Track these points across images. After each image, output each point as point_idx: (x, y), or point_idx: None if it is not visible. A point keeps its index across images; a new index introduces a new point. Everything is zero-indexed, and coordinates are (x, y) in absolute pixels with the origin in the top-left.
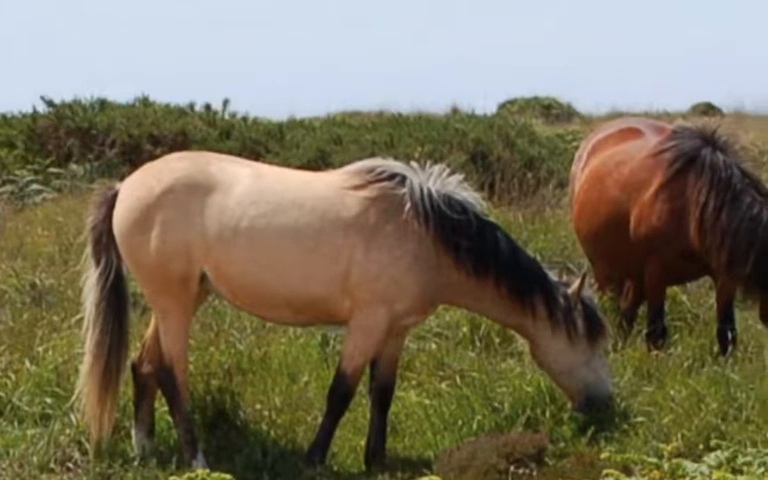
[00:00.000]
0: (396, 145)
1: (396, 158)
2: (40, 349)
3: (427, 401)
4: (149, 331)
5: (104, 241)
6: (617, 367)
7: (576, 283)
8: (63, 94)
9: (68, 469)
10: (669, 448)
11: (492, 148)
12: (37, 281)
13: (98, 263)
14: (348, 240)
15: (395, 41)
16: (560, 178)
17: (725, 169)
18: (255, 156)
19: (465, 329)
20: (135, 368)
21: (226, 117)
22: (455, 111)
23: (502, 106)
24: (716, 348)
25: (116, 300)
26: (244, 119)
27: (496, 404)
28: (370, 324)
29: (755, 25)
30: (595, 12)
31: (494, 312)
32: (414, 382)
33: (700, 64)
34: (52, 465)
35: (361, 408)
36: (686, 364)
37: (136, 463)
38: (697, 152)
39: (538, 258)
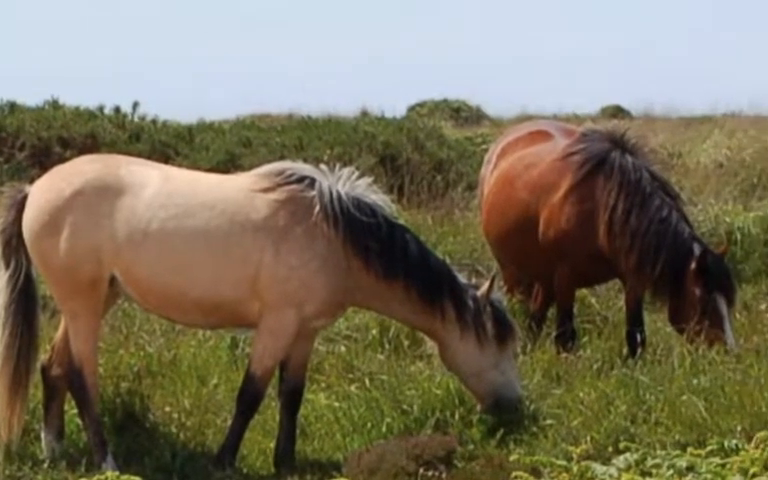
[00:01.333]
0: (305, 148)
1: (305, 161)
2: None
3: (336, 403)
4: (59, 333)
5: (13, 244)
6: (526, 369)
7: (485, 285)
8: None
9: None
10: (578, 450)
11: (401, 151)
12: None
13: (7, 266)
14: (257, 243)
15: (304, 43)
16: (469, 181)
17: (634, 172)
18: (165, 159)
19: (374, 332)
20: (45, 370)
21: (136, 120)
22: (364, 114)
23: (411, 109)
24: (625, 350)
25: (26, 302)
26: (154, 122)
27: (405, 406)
28: (279, 326)
29: (664, 28)
30: (503, 14)
31: (403, 315)
32: (323, 384)
33: (609, 67)
34: None
35: (270, 410)
36: (595, 366)
37: (46, 465)
38: (606, 155)
39: (447, 260)
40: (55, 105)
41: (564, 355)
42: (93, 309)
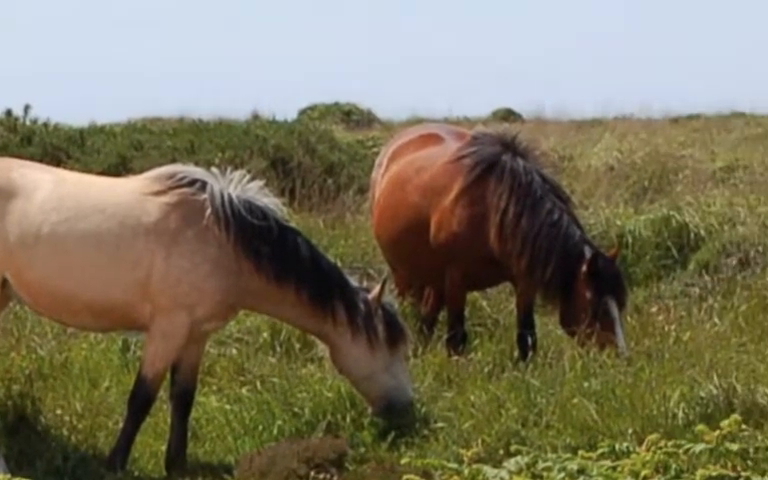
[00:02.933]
0: (197, 151)
1: (197, 164)
2: None
3: (228, 406)
4: None
5: None
6: (417, 372)
7: (376, 289)
8: None
9: None
10: (469, 453)
11: (293, 154)
12: None
13: None
14: (148, 245)
15: (195, 46)
16: (360, 184)
17: (525, 175)
18: (56, 162)
19: (266, 334)
20: None
21: (27, 123)
22: (256, 117)
23: (303, 112)
24: (516, 353)
25: None
26: (45, 125)
27: (297, 409)
28: (171, 329)
29: (554, 31)
30: (393, 16)
31: (295, 317)
32: (215, 387)
33: (500, 70)
34: None
35: (162, 413)
36: (486, 369)
37: None
38: (497, 158)
39: (339, 264)
40: None
41: (455, 358)
42: None
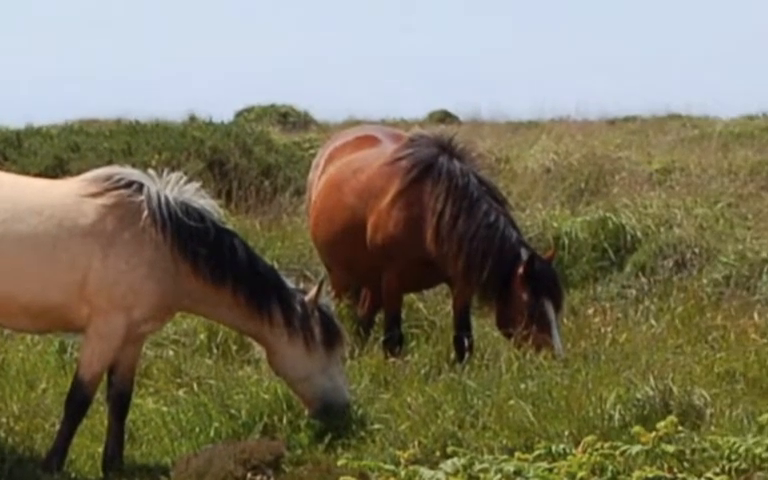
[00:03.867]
0: (134, 153)
1: (134, 166)
2: None
3: (165, 408)
4: None
5: None
6: (354, 374)
7: (313, 290)
8: None
9: None
10: (406, 455)
11: (229, 156)
12: None
13: None
14: (85, 247)
15: (132, 48)
16: (297, 186)
17: (462, 177)
18: None
19: (202, 336)
20: None
21: None
22: (192, 119)
23: (239, 114)
24: (453, 355)
25: None
26: None
27: (233, 411)
28: (108, 331)
29: (490, 33)
30: (330, 18)
31: (231, 319)
32: (152, 389)
33: (436, 72)
34: None
35: (99, 415)
36: (423, 371)
37: None
38: (434, 160)
39: (275, 266)
40: None
41: (392, 360)
42: None
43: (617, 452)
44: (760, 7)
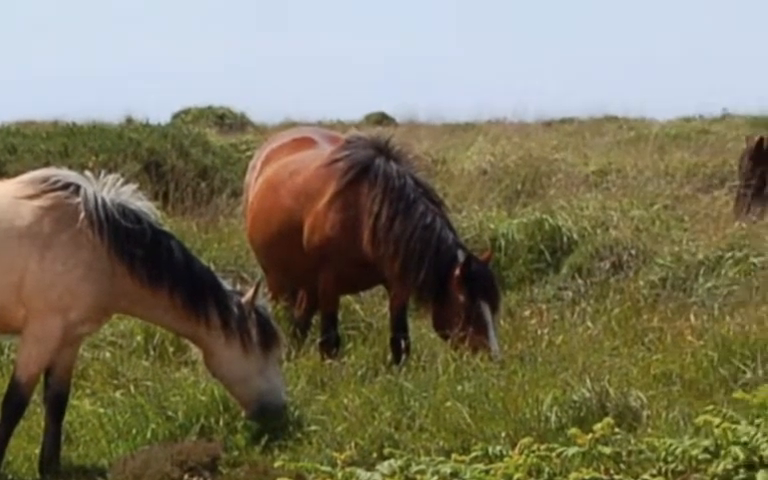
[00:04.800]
0: (71, 155)
1: (71, 168)
2: None
3: (101, 410)
4: None
5: None
6: (291, 376)
7: (250, 292)
8: None
9: None
10: (342, 456)
11: (166, 157)
12: None
13: None
14: (22, 249)
15: (68, 50)
16: (234, 187)
17: (398, 178)
18: None
19: (139, 338)
20: None
21: None
22: (129, 121)
23: (176, 116)
24: (390, 357)
25: None
26: None
27: (170, 413)
28: (44, 333)
29: (427, 36)
30: (266, 20)
31: (168, 321)
32: (88, 390)
33: (373, 74)
34: None
35: (35, 416)
36: (360, 373)
37: None
38: (370, 161)
39: (212, 267)
40: None
41: (328, 361)
42: None
43: (553, 454)
44: (696, 10)
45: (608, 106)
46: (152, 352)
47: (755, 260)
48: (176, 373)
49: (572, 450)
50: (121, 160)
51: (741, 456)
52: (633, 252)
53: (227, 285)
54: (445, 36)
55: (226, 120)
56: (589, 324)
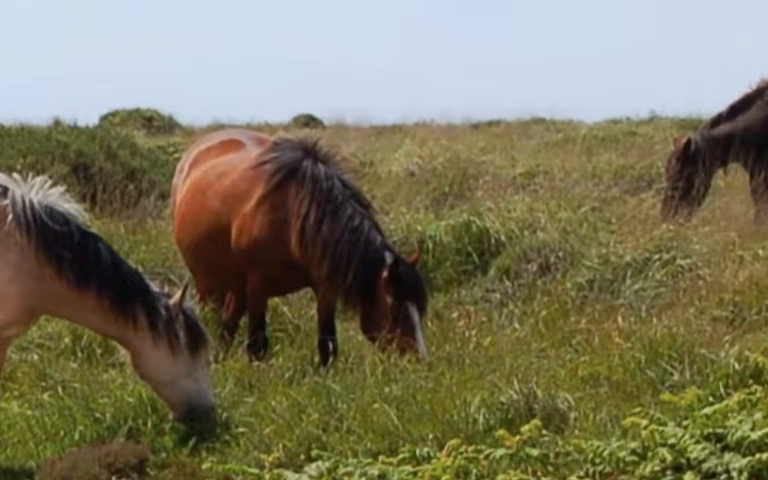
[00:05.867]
0: None
1: None
2: None
3: (29, 412)
4: None
5: None
6: (219, 378)
7: (178, 294)
8: None
9: None
10: (270, 458)
11: (94, 160)
12: None
13: None
14: None
15: None
16: (162, 189)
17: (326, 180)
18: None
19: (67, 340)
20: None
21: None
22: (57, 123)
23: (104, 118)
24: (317, 359)
25: None
26: None
27: (98, 415)
28: None
29: (355, 38)
30: (194, 22)
31: (96, 323)
32: (16, 392)
33: (301, 76)
34: None
35: None
36: (287, 375)
37: None
38: (298, 163)
39: (140, 269)
40: None
41: (256, 363)
42: None
43: (481, 456)
44: (624, 13)
45: (535, 108)
46: (80, 354)
47: (682, 262)
48: (104, 375)
49: (500, 452)
50: (49, 162)
51: (668, 458)
52: (560, 254)
53: (155, 287)
54: (373, 38)
55: (154, 122)
56: (516, 326)
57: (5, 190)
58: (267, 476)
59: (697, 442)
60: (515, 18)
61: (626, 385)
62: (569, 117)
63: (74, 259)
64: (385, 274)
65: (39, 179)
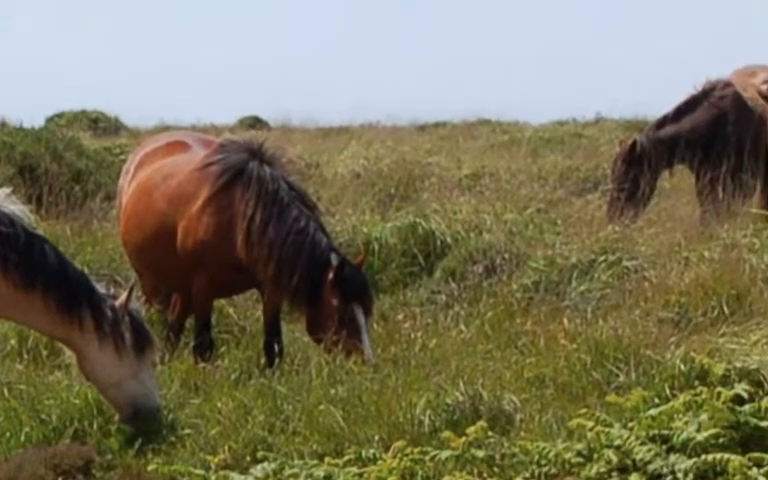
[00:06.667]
0: None
1: None
2: None
3: None
4: None
5: None
6: (164, 379)
7: (123, 295)
8: None
9: None
10: (216, 460)
11: (40, 161)
12: None
13: None
14: None
15: None
16: (108, 191)
17: (272, 182)
18: None
19: (13, 341)
20: None
21: None
22: (3, 124)
23: (50, 119)
24: (263, 360)
25: None
26: None
27: (44, 416)
28: None
29: (299, 39)
30: (139, 25)
31: (42, 324)
32: None
33: (247, 78)
34: None
35: None
36: (233, 376)
37: None
38: (244, 165)
39: (86, 271)
40: None
41: (202, 365)
42: None
43: (427, 457)
44: (569, 14)
45: (481, 110)
46: (26, 355)
47: (628, 264)
48: (50, 376)
49: (445, 453)
50: None
51: (614, 459)
52: (506, 256)
53: (101, 288)
54: (319, 40)
55: (100, 124)
56: (462, 328)
57: None
58: (213, 477)
59: (643, 443)
60: (461, 19)
61: (572, 386)
62: (515, 119)
63: (20, 261)
64: (331, 276)
65: None
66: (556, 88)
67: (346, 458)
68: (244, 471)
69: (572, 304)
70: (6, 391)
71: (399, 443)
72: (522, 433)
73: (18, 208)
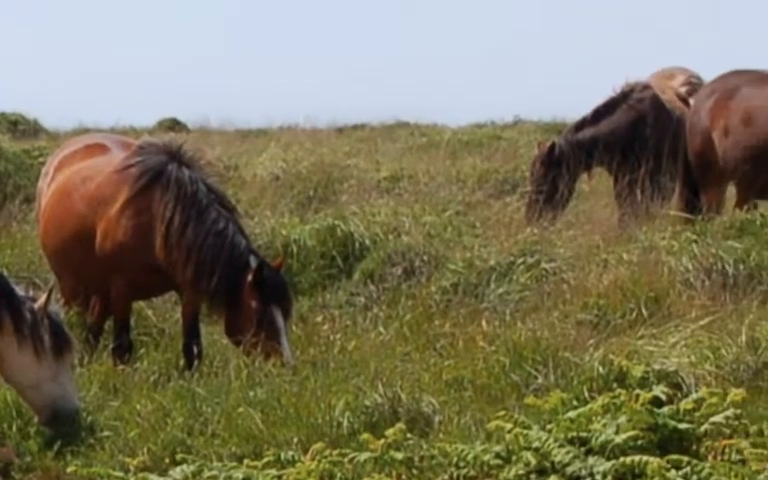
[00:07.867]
0: None
1: None
2: None
3: None
4: None
5: None
6: (83, 381)
7: (43, 298)
8: None
9: None
10: (135, 462)
11: None
12: None
13: None
14: None
15: None
16: (27, 193)
17: (191, 184)
18: None
19: None
20: None
21: None
22: None
23: None
24: (182, 362)
25: None
26: None
27: None
28: None
29: (217, 41)
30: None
31: None
32: None
33: (165, 80)
34: None
35: None
36: (152, 378)
37: None
38: (163, 167)
39: (5, 273)
40: None
41: (121, 367)
42: None
43: (346, 459)
44: (488, 16)
45: (400, 112)
46: None
47: (546, 266)
48: None
49: (364, 455)
50: None
51: (533, 461)
52: (425, 258)
53: (20, 291)
54: (236, 42)
55: (19, 126)
56: (381, 330)
57: None
58: (132, 479)
59: (561, 446)
60: (378, 22)
61: (490, 389)
62: (433, 121)
63: None
64: (250, 278)
65: None
66: (474, 91)
67: (265, 460)
68: (163, 473)
69: (491, 306)
70: None
71: (318, 445)
72: (441, 435)
73: None
